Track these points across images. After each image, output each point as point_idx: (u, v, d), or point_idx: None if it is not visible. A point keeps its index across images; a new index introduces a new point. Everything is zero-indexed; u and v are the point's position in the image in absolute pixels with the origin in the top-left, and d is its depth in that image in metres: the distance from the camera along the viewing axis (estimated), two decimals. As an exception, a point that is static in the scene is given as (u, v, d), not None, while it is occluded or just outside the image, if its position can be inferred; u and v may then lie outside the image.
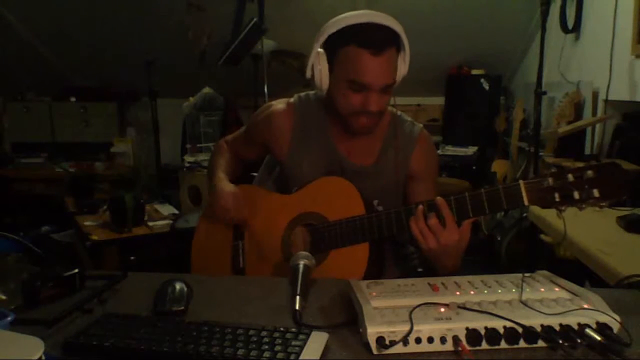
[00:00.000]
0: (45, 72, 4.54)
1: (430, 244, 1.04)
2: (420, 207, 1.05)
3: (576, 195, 0.93)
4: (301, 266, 1.00)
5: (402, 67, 1.20)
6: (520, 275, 0.92)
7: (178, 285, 0.95)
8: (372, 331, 0.75)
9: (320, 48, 1.19)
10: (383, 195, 1.28)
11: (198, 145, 3.86)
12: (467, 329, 0.75)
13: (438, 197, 1.04)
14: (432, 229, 1.03)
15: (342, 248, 1.18)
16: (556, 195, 0.94)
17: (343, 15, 1.16)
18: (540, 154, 2.83)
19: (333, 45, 1.17)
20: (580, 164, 0.95)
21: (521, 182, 0.98)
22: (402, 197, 1.33)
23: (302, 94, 1.38)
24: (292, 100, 1.37)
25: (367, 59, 1.13)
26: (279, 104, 1.37)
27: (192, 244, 1.39)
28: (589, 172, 0.92)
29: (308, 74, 1.22)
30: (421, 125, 1.34)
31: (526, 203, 0.98)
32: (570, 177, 0.93)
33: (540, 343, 0.75)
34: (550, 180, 0.95)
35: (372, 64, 1.13)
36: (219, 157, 1.47)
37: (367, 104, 1.16)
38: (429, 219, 1.03)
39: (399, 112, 1.34)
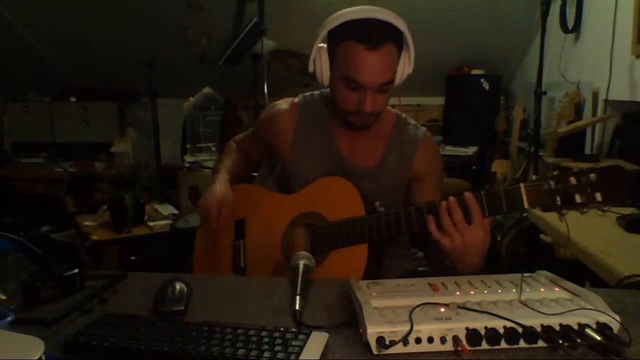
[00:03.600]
0: (45, 72, 4.54)
1: (455, 242, 0.98)
2: (444, 203, 0.99)
3: (578, 198, 0.90)
4: (301, 266, 1.00)
5: (407, 66, 1.19)
6: (520, 275, 0.92)
7: (178, 285, 0.95)
8: (372, 331, 0.75)
9: (322, 43, 1.19)
10: (385, 196, 1.28)
11: (198, 145, 3.86)
12: (467, 329, 0.75)
13: (466, 193, 0.98)
14: (457, 225, 0.98)
15: (342, 249, 1.18)
16: (557, 198, 0.92)
17: (344, 10, 1.15)
18: (540, 154, 2.83)
19: (333, 40, 1.17)
20: (580, 164, 0.94)
21: (522, 185, 0.95)
22: (404, 198, 1.33)
23: (307, 93, 1.38)
24: (296, 100, 1.37)
25: (363, 54, 1.11)
26: (283, 104, 1.38)
27: (195, 242, 1.40)
28: (592, 175, 0.89)
29: (310, 69, 1.22)
30: (425, 128, 1.33)
31: (526, 206, 0.95)
32: (572, 180, 0.91)
33: (540, 343, 0.75)
34: (551, 183, 0.93)
35: (368, 61, 1.12)
36: (226, 156, 1.49)
37: (362, 104, 1.15)
38: (454, 215, 0.98)
39: (403, 115, 1.34)
